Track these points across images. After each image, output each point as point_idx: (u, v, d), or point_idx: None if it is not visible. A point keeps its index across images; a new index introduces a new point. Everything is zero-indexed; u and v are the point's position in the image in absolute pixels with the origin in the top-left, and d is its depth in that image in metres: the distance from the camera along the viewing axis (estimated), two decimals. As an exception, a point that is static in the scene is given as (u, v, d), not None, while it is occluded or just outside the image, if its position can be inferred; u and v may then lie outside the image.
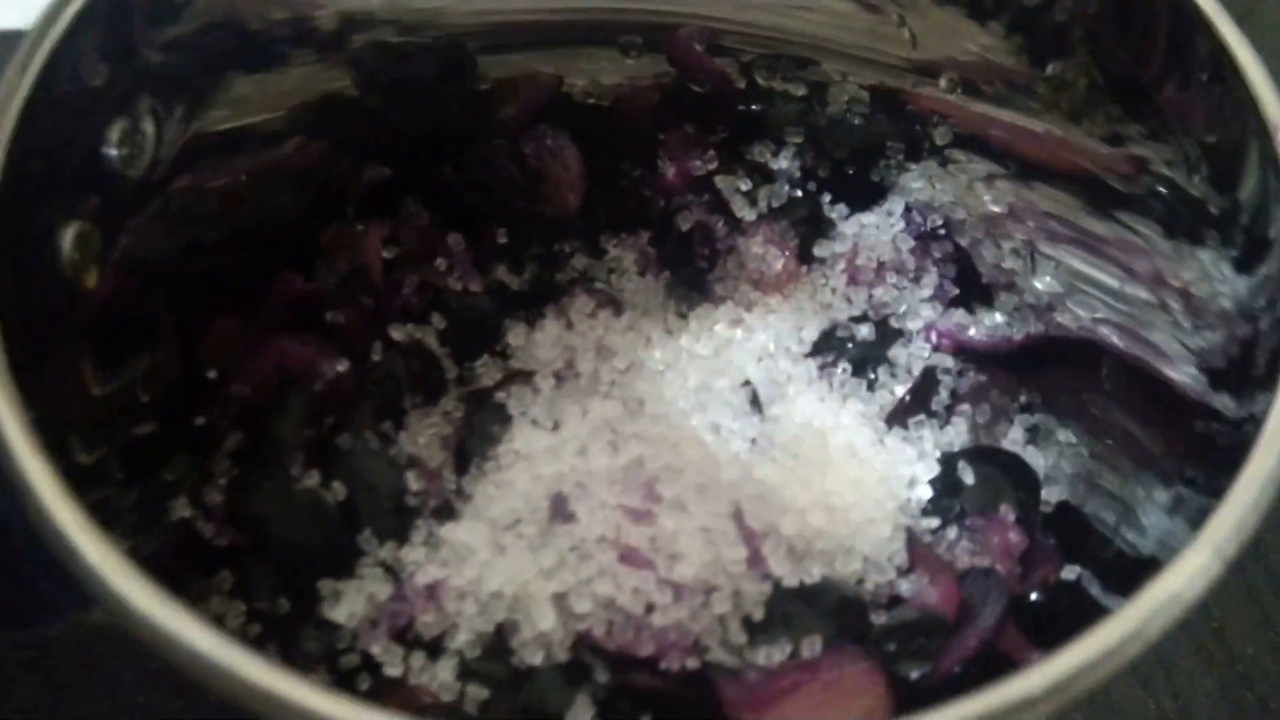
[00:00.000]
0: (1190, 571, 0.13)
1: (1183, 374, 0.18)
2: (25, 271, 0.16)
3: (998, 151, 0.22)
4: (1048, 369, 0.23)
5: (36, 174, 0.16)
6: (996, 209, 0.24)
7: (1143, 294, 0.19)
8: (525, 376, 0.22)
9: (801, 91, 0.25)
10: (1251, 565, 0.34)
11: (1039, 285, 0.23)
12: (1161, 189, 0.19)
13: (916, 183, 0.25)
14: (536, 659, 0.18)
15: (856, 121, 0.25)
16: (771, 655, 0.18)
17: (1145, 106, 0.19)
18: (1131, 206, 0.19)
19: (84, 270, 0.17)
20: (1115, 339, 0.20)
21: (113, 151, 0.18)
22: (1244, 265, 0.17)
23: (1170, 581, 0.13)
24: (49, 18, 0.16)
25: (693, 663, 0.18)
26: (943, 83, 0.23)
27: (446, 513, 0.20)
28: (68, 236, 0.17)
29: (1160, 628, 0.12)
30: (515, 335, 0.24)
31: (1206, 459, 0.14)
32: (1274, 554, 0.32)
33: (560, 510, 0.19)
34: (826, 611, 0.19)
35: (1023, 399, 0.23)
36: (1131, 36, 0.18)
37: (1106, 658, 0.12)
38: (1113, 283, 0.20)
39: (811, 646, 0.18)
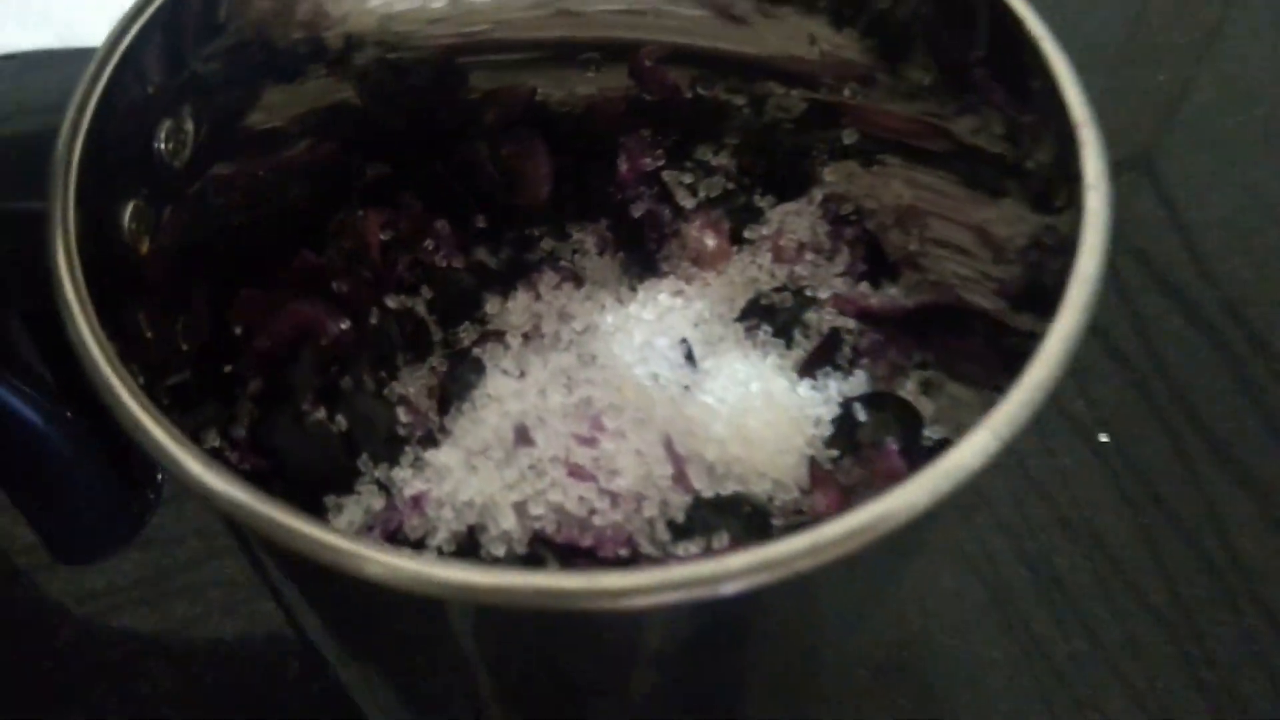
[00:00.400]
0: (974, 447, 0.17)
1: (995, 304, 0.23)
2: (101, 237, 0.20)
3: (890, 145, 0.27)
4: (935, 331, 0.27)
5: (106, 162, 0.21)
6: (902, 200, 0.28)
7: (968, 242, 0.24)
8: (498, 335, 0.27)
9: (742, 101, 0.30)
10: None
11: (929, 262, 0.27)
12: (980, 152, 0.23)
13: (833, 177, 0.29)
14: (500, 552, 0.22)
15: (787, 127, 0.30)
16: (689, 548, 0.22)
17: (969, 91, 0.23)
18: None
19: (139, 239, 0.22)
20: (968, 295, 0.25)
21: (161, 146, 0.22)
22: (1038, 208, 0.21)
23: (959, 454, 0.17)
24: (116, 36, 0.21)
25: (624, 552, 0.22)
26: (846, 91, 0.27)
27: (430, 441, 0.25)
28: (127, 211, 0.21)
29: (951, 487, 0.16)
30: (492, 305, 0.28)
31: (1009, 369, 0.18)
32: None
33: (522, 437, 0.24)
34: (737, 518, 0.23)
35: (917, 357, 0.27)
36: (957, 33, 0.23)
37: (907, 508, 0.16)
38: (963, 242, 0.25)
39: (720, 542, 0.22)
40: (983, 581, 0.37)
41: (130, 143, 0.22)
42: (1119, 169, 0.52)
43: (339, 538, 0.16)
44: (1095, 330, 0.43)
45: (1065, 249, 0.19)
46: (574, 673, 0.19)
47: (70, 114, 0.20)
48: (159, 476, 0.30)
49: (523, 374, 0.25)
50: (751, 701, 0.22)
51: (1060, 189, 0.20)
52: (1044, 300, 0.19)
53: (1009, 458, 0.17)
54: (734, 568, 0.16)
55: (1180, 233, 0.49)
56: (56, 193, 0.19)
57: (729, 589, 0.16)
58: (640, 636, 0.18)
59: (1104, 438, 0.41)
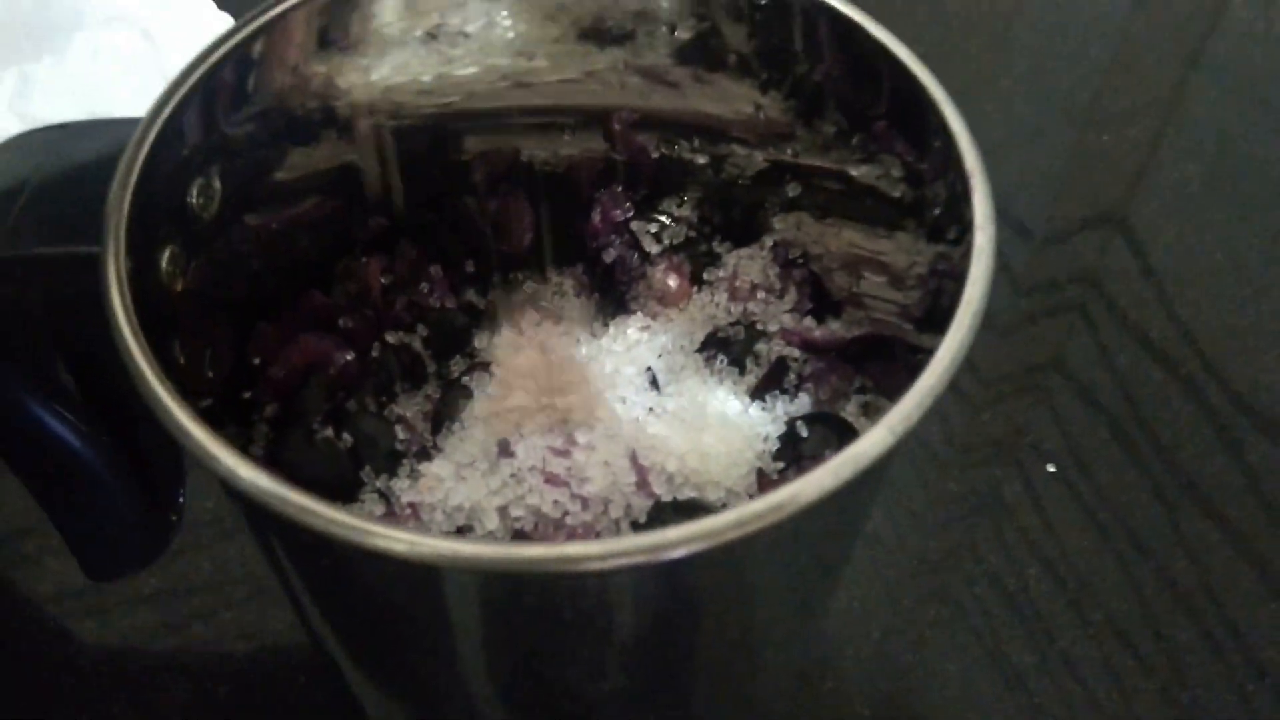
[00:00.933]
0: (873, 440, 0.20)
1: (905, 327, 0.26)
2: (143, 277, 0.23)
3: (820, 200, 0.31)
4: (872, 359, 0.30)
5: (148, 213, 0.24)
6: (844, 245, 0.32)
7: (878, 273, 0.28)
8: (484, 366, 0.30)
9: (704, 160, 0.33)
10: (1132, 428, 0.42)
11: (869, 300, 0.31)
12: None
13: (782, 225, 0.33)
14: (485, 549, 0.26)
15: (743, 183, 0.33)
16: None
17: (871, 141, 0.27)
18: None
19: (174, 280, 0.25)
20: (888, 320, 0.28)
21: (193, 200, 0.26)
22: (932, 239, 0.25)
23: (860, 446, 0.20)
24: (160, 104, 0.24)
25: (593, 548, 0.26)
26: (789, 150, 0.31)
27: (424, 456, 0.28)
28: (165, 256, 0.25)
29: (851, 472, 0.20)
30: (480, 340, 0.32)
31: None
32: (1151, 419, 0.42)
33: (504, 450, 0.27)
34: (691, 518, 0.26)
35: (858, 383, 0.31)
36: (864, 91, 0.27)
37: (816, 487, 0.20)
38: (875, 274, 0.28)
39: (676, 537, 0.26)
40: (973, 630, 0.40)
41: (168, 197, 0.25)
42: (1093, 224, 0.55)
43: (348, 515, 0.19)
44: (1074, 380, 0.46)
45: (957, 276, 0.23)
46: (544, 643, 0.22)
47: (120, 171, 0.23)
48: (180, 499, 0.34)
49: (505, 398, 0.29)
50: (703, 676, 0.26)
51: (952, 225, 0.24)
52: (942, 321, 0.23)
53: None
54: (673, 538, 0.19)
55: (1153, 285, 0.51)
56: (109, 238, 0.23)
57: (671, 555, 0.19)
58: (605, 602, 0.21)
59: (1051, 467, 0.44)
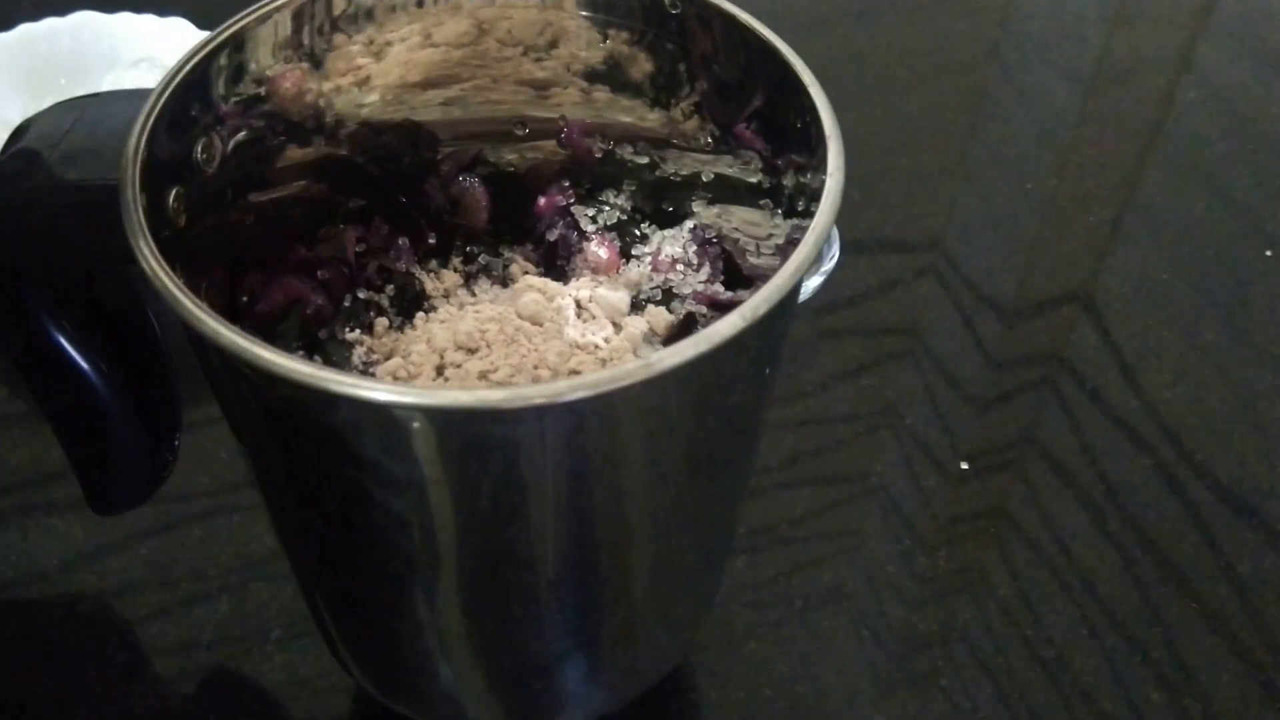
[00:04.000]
0: (726, 323, 0.25)
1: None
2: (154, 209, 0.29)
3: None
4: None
5: (159, 159, 0.30)
6: (754, 231, 0.37)
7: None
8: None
9: (644, 160, 0.39)
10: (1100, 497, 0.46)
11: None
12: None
13: (701, 211, 0.38)
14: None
15: (674, 179, 0.39)
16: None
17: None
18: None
19: (179, 216, 0.31)
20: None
21: (198, 155, 0.32)
22: (789, 216, 0.30)
23: (717, 326, 0.25)
24: (170, 77, 0.30)
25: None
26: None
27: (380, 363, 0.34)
28: (171, 195, 0.30)
29: (709, 346, 0.25)
30: (438, 303, 0.38)
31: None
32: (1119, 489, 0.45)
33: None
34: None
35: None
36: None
37: (676, 355, 0.24)
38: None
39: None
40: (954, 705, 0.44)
41: (176, 149, 0.31)
42: (1060, 302, 0.60)
43: (313, 366, 0.24)
44: (1045, 453, 0.50)
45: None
46: (475, 496, 0.27)
47: (138, 123, 0.29)
48: (176, 443, 0.39)
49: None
50: (619, 545, 0.30)
51: (802, 200, 0.30)
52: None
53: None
54: (564, 386, 0.24)
55: (1118, 361, 0.56)
56: (127, 173, 0.28)
57: (566, 398, 0.24)
58: (524, 449, 0.26)
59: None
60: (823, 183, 0.28)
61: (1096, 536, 0.48)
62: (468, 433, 0.25)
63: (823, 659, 0.44)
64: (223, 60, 0.31)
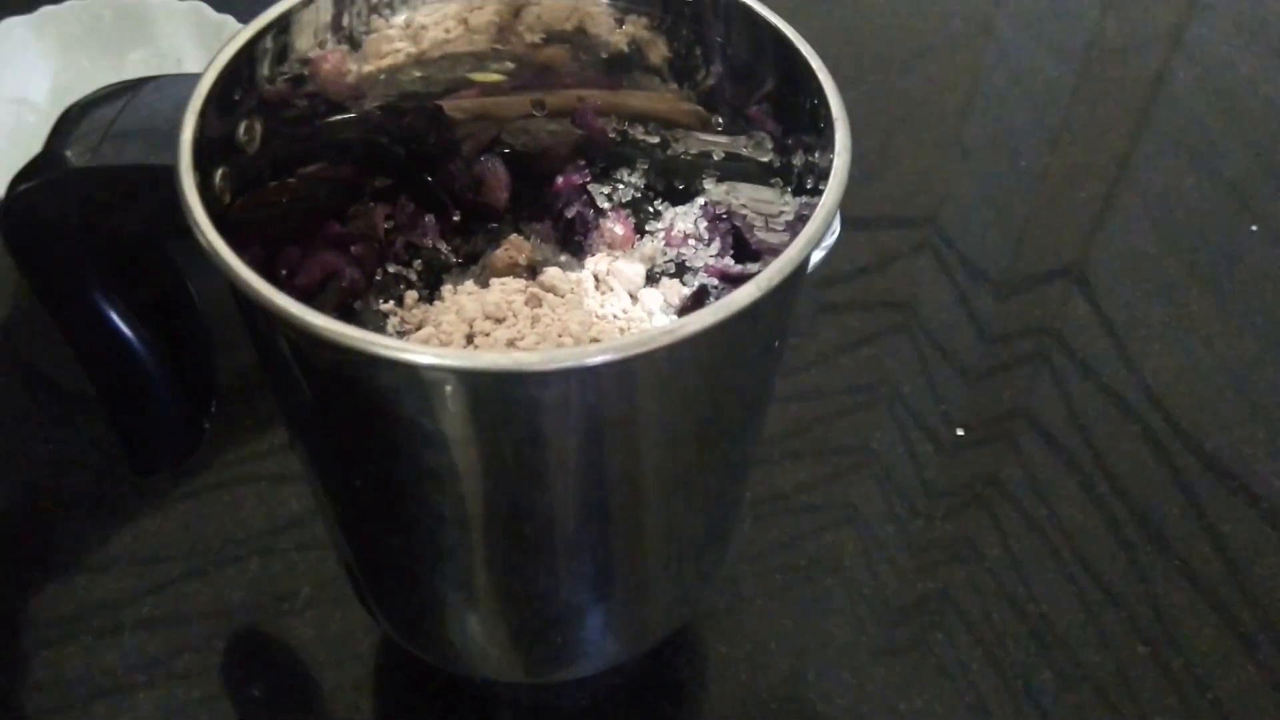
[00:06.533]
0: (743, 292, 0.27)
1: None
2: (204, 186, 0.31)
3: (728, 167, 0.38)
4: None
5: (209, 140, 0.32)
6: (765, 208, 0.39)
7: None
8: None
9: (655, 140, 0.41)
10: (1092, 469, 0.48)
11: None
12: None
13: (712, 188, 0.40)
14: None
15: (685, 158, 0.41)
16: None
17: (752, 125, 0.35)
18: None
19: (224, 193, 0.32)
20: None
21: (240, 136, 0.34)
22: (798, 194, 0.33)
23: (734, 296, 0.27)
24: (212, 67, 0.32)
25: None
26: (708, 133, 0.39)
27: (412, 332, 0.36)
28: (218, 174, 0.32)
29: (728, 313, 0.27)
30: (463, 278, 0.40)
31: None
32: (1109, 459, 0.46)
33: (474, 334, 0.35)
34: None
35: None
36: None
37: (699, 321, 0.27)
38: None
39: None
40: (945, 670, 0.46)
41: (221, 131, 0.33)
42: (1052, 277, 0.62)
43: (355, 329, 0.26)
44: (1036, 422, 0.52)
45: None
46: (500, 454, 0.29)
47: (191, 106, 0.31)
48: (211, 409, 0.41)
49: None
50: (635, 505, 0.32)
51: (811, 178, 0.32)
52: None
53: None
54: (592, 350, 0.26)
55: (1109, 333, 0.58)
56: (182, 154, 0.30)
57: (591, 361, 0.26)
58: (562, 407, 0.28)
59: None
60: (831, 161, 0.30)
61: (1084, 500, 0.50)
62: (504, 393, 0.27)
63: (825, 617, 0.46)
64: (268, 43, 0.33)
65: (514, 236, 0.40)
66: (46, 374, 0.54)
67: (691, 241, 0.39)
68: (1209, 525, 0.49)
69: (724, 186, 0.40)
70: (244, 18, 0.60)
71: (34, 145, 0.33)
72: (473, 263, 0.40)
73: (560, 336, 0.34)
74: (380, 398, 0.28)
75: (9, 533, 0.48)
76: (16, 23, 0.62)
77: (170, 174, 0.29)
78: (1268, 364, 0.56)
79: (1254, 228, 0.64)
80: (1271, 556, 0.48)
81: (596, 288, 0.37)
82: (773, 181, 0.36)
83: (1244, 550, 0.49)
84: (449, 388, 0.27)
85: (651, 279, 0.39)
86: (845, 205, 0.57)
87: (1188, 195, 0.66)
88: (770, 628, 0.45)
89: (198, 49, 0.62)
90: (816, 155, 0.32)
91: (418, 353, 0.26)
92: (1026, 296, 0.60)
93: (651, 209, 0.40)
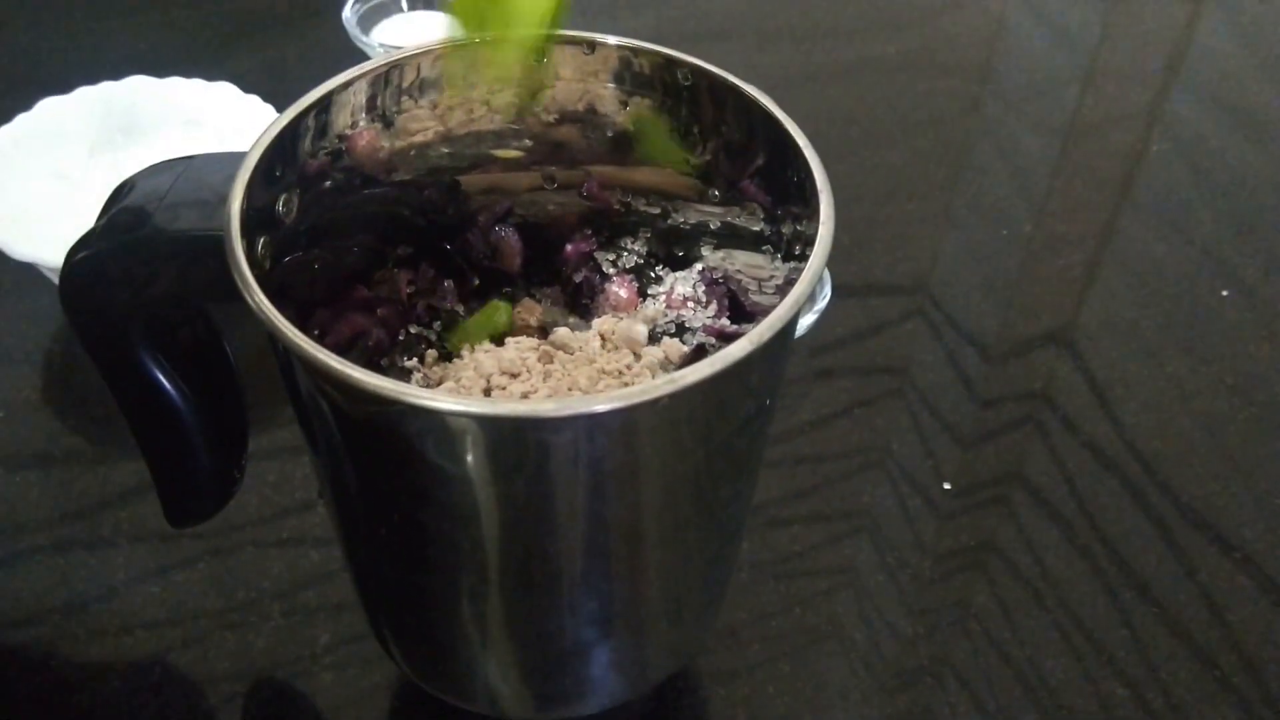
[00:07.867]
0: (738, 346, 0.30)
1: None
2: (250, 257, 0.33)
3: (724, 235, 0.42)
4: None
5: (252, 212, 0.35)
6: (757, 273, 0.42)
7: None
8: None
9: (656, 211, 0.44)
10: (1081, 524, 0.50)
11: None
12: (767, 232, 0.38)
13: (709, 254, 0.43)
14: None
15: (684, 228, 0.44)
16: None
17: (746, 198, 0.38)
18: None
19: (265, 260, 0.36)
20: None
21: (280, 209, 0.37)
22: (787, 259, 0.36)
23: (729, 350, 0.30)
24: (258, 144, 0.35)
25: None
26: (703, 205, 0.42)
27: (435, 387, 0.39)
28: (260, 242, 0.36)
29: (723, 366, 0.30)
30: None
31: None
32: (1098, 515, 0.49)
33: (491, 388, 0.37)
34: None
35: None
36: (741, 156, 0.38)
37: (695, 374, 0.30)
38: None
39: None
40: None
41: (263, 204, 0.36)
42: (1041, 342, 0.65)
43: (389, 380, 0.29)
44: (1026, 481, 0.54)
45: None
46: (513, 497, 0.32)
47: (240, 180, 0.34)
48: (244, 462, 0.44)
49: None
50: (640, 544, 0.35)
51: (799, 245, 0.35)
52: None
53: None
54: (600, 399, 0.29)
55: (1093, 393, 0.60)
56: (232, 224, 0.33)
57: (595, 409, 0.29)
58: (567, 453, 0.31)
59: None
60: (816, 230, 0.33)
61: (1068, 549, 0.53)
62: (519, 438, 0.30)
63: (821, 660, 0.48)
64: (309, 122, 0.36)
65: (526, 300, 0.43)
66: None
67: (690, 304, 0.42)
68: (1187, 570, 0.52)
69: (720, 253, 0.43)
70: (270, 98, 0.64)
71: (75, 216, 0.36)
72: (488, 324, 0.43)
73: (570, 390, 0.37)
74: (409, 443, 0.31)
75: (40, 581, 0.50)
76: (54, 102, 0.66)
77: (219, 242, 0.32)
78: (1240, 420, 0.59)
79: (1225, 292, 0.67)
80: (1247, 602, 0.51)
81: (603, 346, 0.40)
82: (764, 248, 0.39)
83: (1220, 596, 0.51)
84: (470, 433, 0.30)
85: (653, 339, 0.42)
86: (838, 273, 0.61)
87: (1164, 262, 0.69)
88: (767, 671, 0.48)
89: (227, 127, 0.65)
90: (804, 224, 0.36)
91: (444, 401, 0.29)
92: (1017, 360, 0.63)
93: (653, 274, 0.44)
